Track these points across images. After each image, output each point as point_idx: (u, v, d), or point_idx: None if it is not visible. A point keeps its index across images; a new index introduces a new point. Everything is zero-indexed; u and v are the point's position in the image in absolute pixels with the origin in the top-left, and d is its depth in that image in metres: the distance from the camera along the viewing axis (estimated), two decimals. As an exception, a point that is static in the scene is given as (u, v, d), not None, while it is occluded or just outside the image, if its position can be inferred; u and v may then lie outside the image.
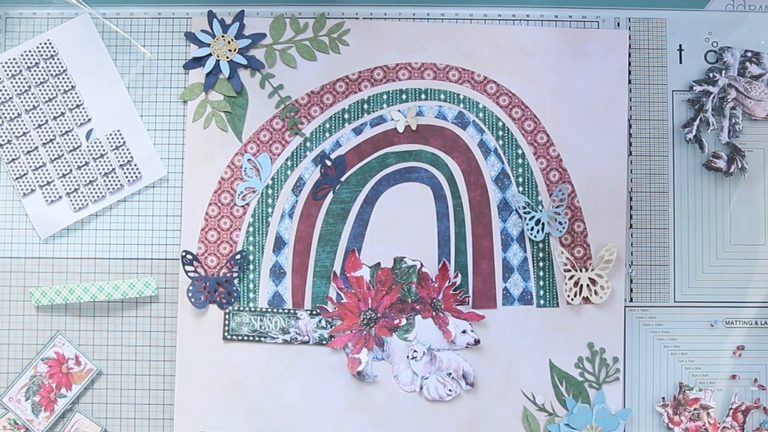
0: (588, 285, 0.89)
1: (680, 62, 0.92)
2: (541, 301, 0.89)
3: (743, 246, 0.92)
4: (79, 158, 0.90)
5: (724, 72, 0.91)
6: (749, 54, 0.92)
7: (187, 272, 0.89)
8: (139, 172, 0.90)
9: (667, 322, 0.91)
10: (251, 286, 0.90)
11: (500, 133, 0.90)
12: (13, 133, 0.90)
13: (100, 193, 0.90)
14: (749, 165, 0.92)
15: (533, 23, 0.92)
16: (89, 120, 0.91)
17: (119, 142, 0.90)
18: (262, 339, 0.89)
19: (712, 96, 0.91)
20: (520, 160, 0.90)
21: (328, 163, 0.90)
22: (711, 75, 0.91)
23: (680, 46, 0.92)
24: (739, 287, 0.91)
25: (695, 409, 0.90)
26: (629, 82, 0.92)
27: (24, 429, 0.89)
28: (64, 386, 0.89)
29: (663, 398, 0.90)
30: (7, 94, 0.90)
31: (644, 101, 0.92)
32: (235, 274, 0.89)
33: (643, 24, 0.92)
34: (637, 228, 0.91)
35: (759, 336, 0.91)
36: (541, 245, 0.90)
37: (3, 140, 0.90)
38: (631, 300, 0.91)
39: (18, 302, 0.90)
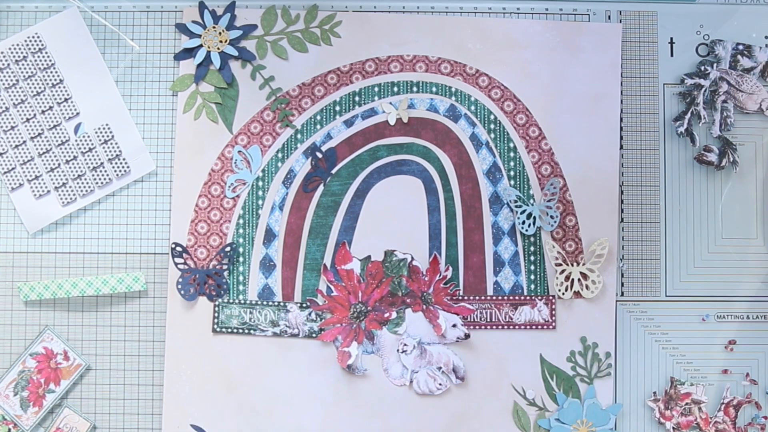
0: (579, 279, 0.89)
1: (671, 55, 0.92)
2: (532, 295, 0.89)
3: (735, 240, 0.92)
4: (67, 152, 0.90)
5: (715, 65, 0.91)
6: (741, 47, 0.92)
7: (176, 264, 0.88)
8: (128, 167, 0.90)
9: (659, 316, 0.91)
10: (241, 278, 0.89)
11: (492, 126, 0.90)
12: (1, 127, 0.89)
13: (89, 187, 0.90)
14: (740, 158, 0.92)
15: (523, 18, 0.92)
16: (77, 114, 0.90)
17: (108, 136, 0.90)
18: (252, 332, 0.89)
19: (703, 89, 0.91)
20: (511, 154, 0.90)
21: (319, 155, 0.90)
22: (702, 68, 0.91)
23: (671, 39, 0.92)
24: (730, 281, 0.91)
25: (687, 404, 0.90)
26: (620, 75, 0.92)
27: (12, 424, 0.88)
28: (52, 381, 0.88)
29: (654, 393, 0.90)
30: (-5, 88, 0.90)
31: (635, 95, 0.92)
32: (224, 267, 0.89)
33: (634, 17, 0.92)
34: (628, 222, 0.91)
35: (751, 330, 0.91)
36: (532, 239, 0.90)
37: (-9, 134, 0.90)
38: (622, 294, 0.91)
39: (6, 297, 0.90)
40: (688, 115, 0.91)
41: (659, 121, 0.92)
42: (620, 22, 0.92)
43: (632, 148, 0.91)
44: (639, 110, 0.92)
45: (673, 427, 0.90)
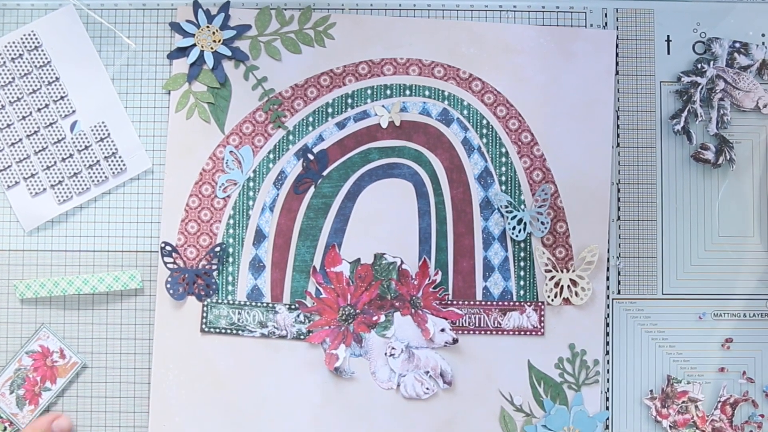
0: (569, 286, 0.88)
1: (668, 53, 0.92)
2: (521, 301, 0.89)
3: (731, 238, 0.91)
4: (63, 150, 0.90)
5: (712, 63, 0.91)
6: (737, 45, 0.91)
7: (165, 263, 0.89)
8: (124, 164, 0.91)
9: (655, 314, 0.91)
10: (230, 278, 0.90)
11: (484, 131, 0.90)
12: (-3, 124, 0.90)
13: (85, 185, 0.90)
14: (737, 156, 0.91)
15: (519, 15, 0.91)
16: (73, 112, 0.91)
17: (104, 134, 0.90)
18: (240, 332, 0.89)
19: (700, 87, 0.90)
20: (503, 159, 0.90)
21: (311, 157, 0.90)
22: (699, 66, 0.91)
23: (668, 36, 0.92)
24: (727, 279, 0.91)
25: (683, 402, 0.90)
26: (617, 73, 0.91)
27: (8, 422, 0.89)
28: (48, 379, 0.89)
29: (651, 391, 0.90)
30: (-9, 86, 0.90)
31: (632, 93, 0.91)
32: (214, 267, 0.89)
33: (630, 15, 0.92)
34: (624, 220, 0.90)
35: (747, 328, 0.91)
36: (522, 245, 0.89)
37: (-13, 132, 0.90)
38: (618, 292, 0.90)
39: (2, 295, 0.90)
40: (685, 113, 0.90)
41: (656, 119, 0.91)
42: (616, 20, 0.91)
43: (629, 146, 0.91)
44: (635, 108, 0.91)
45: (670, 426, 0.90)
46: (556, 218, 0.89)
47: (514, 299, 0.89)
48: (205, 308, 0.89)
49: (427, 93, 0.90)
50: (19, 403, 0.89)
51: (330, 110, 0.90)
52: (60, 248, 0.91)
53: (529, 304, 0.89)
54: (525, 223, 0.89)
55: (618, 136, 0.91)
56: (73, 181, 0.90)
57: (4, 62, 0.90)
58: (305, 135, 0.90)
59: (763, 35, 0.92)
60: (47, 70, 0.90)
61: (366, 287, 0.89)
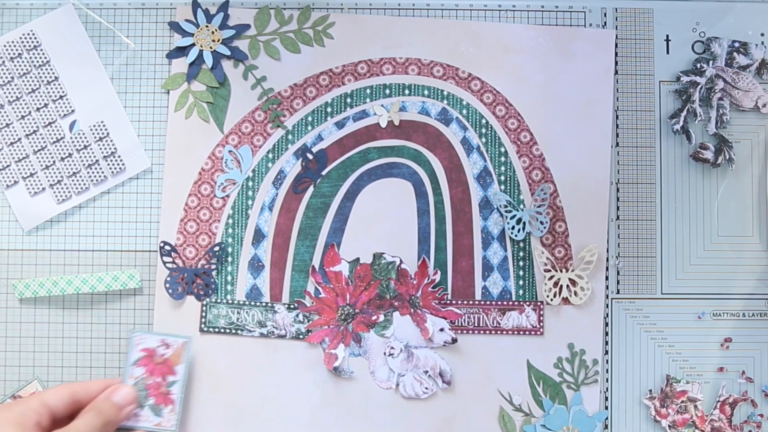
0: (568, 285, 0.88)
1: (667, 53, 0.92)
2: (520, 301, 0.89)
3: (730, 237, 0.91)
4: (62, 150, 0.90)
5: (711, 62, 0.91)
6: (737, 44, 0.91)
7: (164, 263, 0.89)
8: (123, 164, 0.90)
9: (654, 314, 0.91)
10: (229, 278, 0.90)
11: (483, 130, 0.90)
12: (-4, 124, 0.90)
13: (84, 184, 0.90)
14: (737, 156, 0.91)
15: (518, 14, 0.91)
16: (72, 111, 0.90)
17: (103, 133, 0.90)
18: (239, 332, 0.89)
19: (699, 86, 0.91)
20: (502, 158, 0.90)
21: (310, 156, 0.90)
22: (698, 65, 0.91)
23: (667, 36, 0.92)
24: (726, 279, 0.91)
25: (682, 402, 0.90)
26: (616, 72, 0.91)
27: None
28: (168, 374, 0.85)
29: (650, 391, 0.90)
30: (-10, 85, 0.90)
31: (631, 92, 0.91)
32: (213, 266, 0.89)
33: (630, 14, 0.92)
34: (624, 220, 0.90)
35: (747, 328, 0.91)
36: (521, 244, 0.89)
37: (-14, 131, 0.90)
38: (618, 292, 0.90)
39: (1, 294, 0.90)
40: (684, 112, 0.90)
41: (655, 118, 0.92)
42: (616, 19, 0.91)
43: (628, 145, 0.91)
44: (634, 108, 0.91)
45: (669, 425, 0.90)
46: (555, 218, 0.89)
47: (513, 299, 0.89)
48: (204, 308, 0.89)
49: (426, 92, 0.90)
50: (156, 411, 0.85)
51: (329, 110, 0.90)
52: (59, 248, 0.91)
53: (528, 303, 0.89)
54: (524, 223, 0.89)
55: (617, 135, 0.91)
56: (72, 180, 0.90)
57: (3, 62, 0.90)
58: (304, 134, 0.90)
59: (762, 35, 0.92)
60: (46, 69, 0.90)
61: (365, 287, 0.89)
